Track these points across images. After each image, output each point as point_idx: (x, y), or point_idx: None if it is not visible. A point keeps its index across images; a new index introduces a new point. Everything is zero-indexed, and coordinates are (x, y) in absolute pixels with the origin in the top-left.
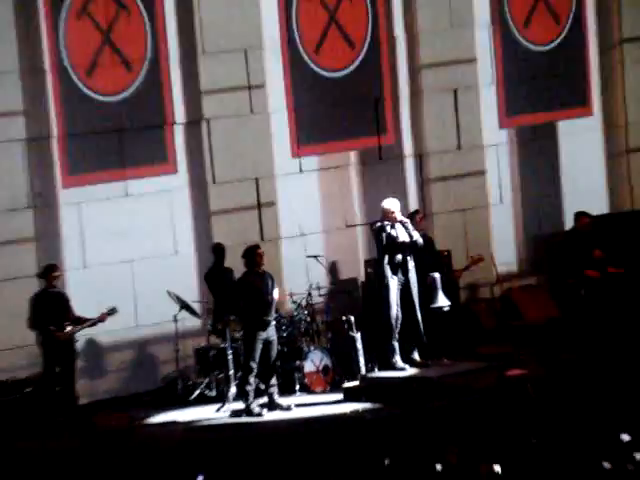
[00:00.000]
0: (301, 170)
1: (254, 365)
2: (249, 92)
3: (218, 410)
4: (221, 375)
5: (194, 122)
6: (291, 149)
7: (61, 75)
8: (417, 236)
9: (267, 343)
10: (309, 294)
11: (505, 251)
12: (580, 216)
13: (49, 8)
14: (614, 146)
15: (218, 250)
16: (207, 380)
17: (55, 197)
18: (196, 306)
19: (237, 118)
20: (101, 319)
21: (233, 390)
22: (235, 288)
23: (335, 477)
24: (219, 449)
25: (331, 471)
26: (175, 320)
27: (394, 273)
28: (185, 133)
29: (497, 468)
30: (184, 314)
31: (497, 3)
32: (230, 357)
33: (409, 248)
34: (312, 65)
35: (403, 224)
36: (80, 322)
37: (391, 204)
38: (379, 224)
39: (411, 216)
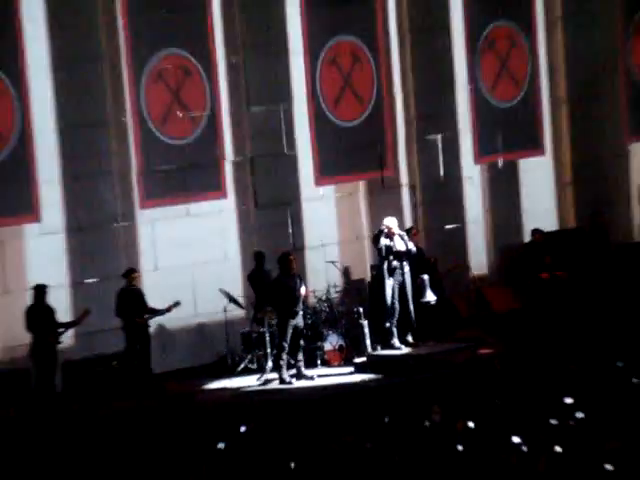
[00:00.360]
0: (322, 196)
1: (286, 345)
2: (283, 136)
3: (258, 379)
4: (260, 353)
5: (241, 160)
6: (314, 180)
7: (141, 123)
8: (412, 246)
9: (296, 328)
10: (328, 291)
11: (478, 258)
12: (535, 232)
13: (132, 74)
14: (561, 179)
15: (258, 257)
16: (250, 356)
17: (134, 216)
18: (241, 300)
19: (273, 156)
20: (168, 310)
21: (270, 364)
22: (271, 286)
23: (344, 431)
24: (258, 408)
25: (343, 426)
26: (225, 311)
27: (391, 275)
28: (234, 168)
29: (471, 424)
30: (232, 306)
31: (472, 70)
32: (267, 339)
33: (405, 256)
34: (331, 116)
35: (401, 237)
36: (153, 312)
37: (390, 222)
38: (378, 236)
39: (407, 231)
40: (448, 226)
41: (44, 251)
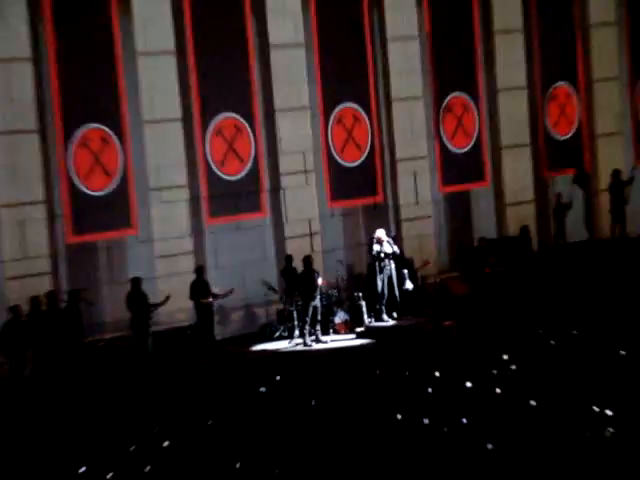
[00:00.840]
0: (332, 215)
1: (307, 319)
2: (305, 174)
3: (289, 343)
4: (290, 325)
5: (276, 189)
6: (327, 203)
7: (207, 166)
8: (396, 249)
9: (314, 307)
10: (336, 281)
11: (442, 257)
12: (481, 239)
13: (201, 131)
14: (500, 202)
15: (288, 258)
16: (282, 327)
17: (203, 229)
18: (276, 288)
19: (298, 187)
20: (226, 295)
21: (297, 333)
22: (298, 278)
23: (348, 380)
24: (288, 363)
25: (348, 376)
26: (265, 295)
27: (381, 271)
28: (270, 195)
29: (437, 374)
30: (270, 292)
31: (437, 126)
32: (295, 315)
33: (391, 256)
34: (339, 159)
35: (388, 242)
36: (215, 296)
37: (380, 232)
38: (371, 243)
39: (393, 238)
40: (420, 235)
41: (139, 254)
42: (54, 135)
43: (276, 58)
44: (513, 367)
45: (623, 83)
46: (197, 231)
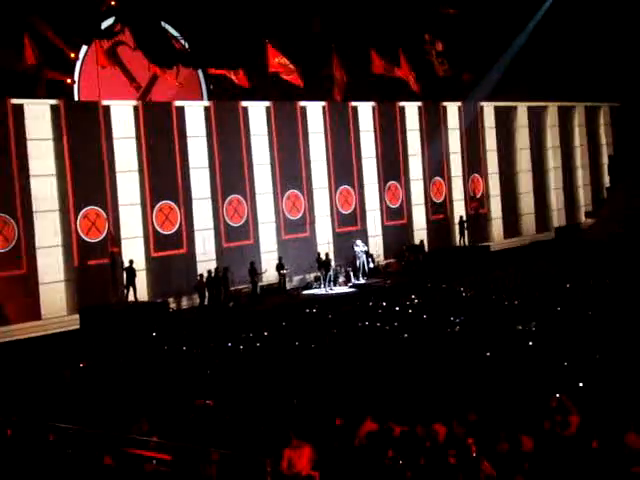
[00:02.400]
0: (340, 235)
1: (326, 280)
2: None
3: (319, 290)
4: (319, 282)
5: (306, 228)
6: (337, 229)
7: (282, 220)
8: (366, 248)
9: (329, 275)
10: (338, 264)
11: (386, 253)
12: (406, 246)
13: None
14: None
15: (318, 254)
16: (316, 284)
17: (280, 241)
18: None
19: (324, 223)
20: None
21: (322, 286)
22: (323, 263)
23: (346, 305)
24: (320, 301)
25: (346, 304)
26: (309, 270)
27: (359, 257)
28: (310, 228)
29: (384, 303)
30: (310, 268)
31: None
32: (322, 278)
33: (363, 251)
34: (340, 210)
35: (362, 245)
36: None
37: (358, 241)
38: (354, 245)
39: (367, 252)
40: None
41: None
42: None
43: None
44: (414, 298)
45: None
46: (278, 244)
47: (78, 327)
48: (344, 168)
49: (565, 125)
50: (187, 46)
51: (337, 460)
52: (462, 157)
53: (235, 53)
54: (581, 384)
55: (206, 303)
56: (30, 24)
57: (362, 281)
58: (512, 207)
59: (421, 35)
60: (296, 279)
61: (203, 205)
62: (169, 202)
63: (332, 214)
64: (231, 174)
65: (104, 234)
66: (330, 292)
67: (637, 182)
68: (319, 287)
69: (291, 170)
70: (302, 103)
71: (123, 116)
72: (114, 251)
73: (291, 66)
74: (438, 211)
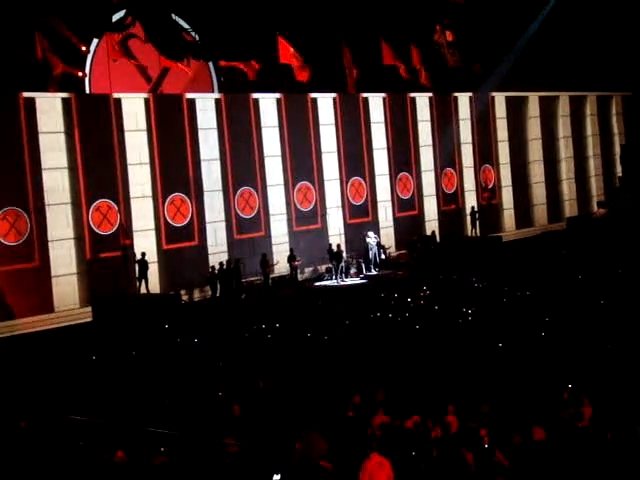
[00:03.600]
0: (350, 226)
1: (338, 271)
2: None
3: (331, 282)
4: (331, 274)
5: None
6: (347, 221)
7: (295, 212)
8: (377, 240)
9: (341, 266)
10: (350, 255)
11: (398, 246)
12: (417, 236)
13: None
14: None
15: (330, 245)
16: (328, 275)
17: (290, 232)
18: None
19: (335, 214)
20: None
21: (334, 277)
22: (334, 255)
23: (358, 297)
24: (331, 291)
25: (358, 295)
26: (321, 261)
27: (370, 249)
28: (322, 219)
29: (396, 295)
30: (322, 260)
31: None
32: (334, 270)
33: (375, 242)
34: (352, 201)
35: (375, 237)
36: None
37: (369, 232)
38: (364, 237)
39: (379, 243)
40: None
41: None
42: None
43: None
44: (425, 290)
45: None
46: (288, 235)
47: (90, 320)
48: (355, 159)
49: (577, 115)
50: (197, 38)
51: (350, 452)
52: (473, 148)
53: (246, 45)
54: (594, 375)
55: (218, 295)
56: (41, 18)
57: (374, 272)
58: (524, 197)
59: (432, 26)
60: (308, 271)
61: (214, 197)
62: (180, 194)
63: (343, 205)
64: (242, 166)
65: (116, 226)
66: (342, 283)
67: None
68: (331, 279)
69: (302, 162)
70: (313, 95)
71: (134, 109)
72: (126, 243)
73: (300, 59)
74: (449, 202)
